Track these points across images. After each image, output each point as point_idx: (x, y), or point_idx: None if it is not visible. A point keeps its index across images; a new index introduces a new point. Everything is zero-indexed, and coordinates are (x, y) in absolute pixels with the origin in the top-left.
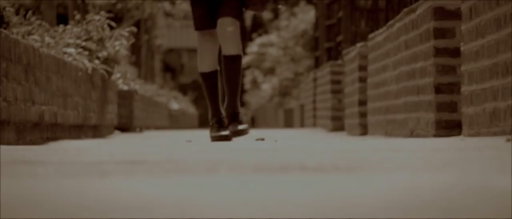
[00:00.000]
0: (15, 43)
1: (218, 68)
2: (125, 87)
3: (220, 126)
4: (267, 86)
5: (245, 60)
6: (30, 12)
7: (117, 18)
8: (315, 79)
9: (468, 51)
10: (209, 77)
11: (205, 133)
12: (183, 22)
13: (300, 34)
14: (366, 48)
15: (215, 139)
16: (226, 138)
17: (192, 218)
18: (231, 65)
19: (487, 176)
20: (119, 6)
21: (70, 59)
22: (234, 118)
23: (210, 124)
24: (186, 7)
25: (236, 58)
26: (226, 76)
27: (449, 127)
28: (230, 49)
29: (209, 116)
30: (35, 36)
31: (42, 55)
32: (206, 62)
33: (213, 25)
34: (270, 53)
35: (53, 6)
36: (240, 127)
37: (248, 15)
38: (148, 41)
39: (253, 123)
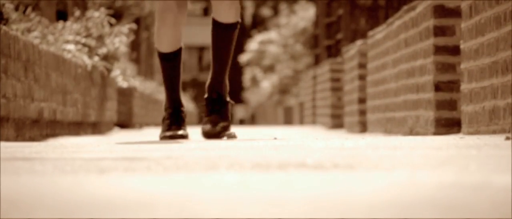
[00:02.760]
0: (14, 40)
1: (181, 45)
2: (125, 84)
3: (175, 121)
4: (267, 83)
5: (245, 57)
6: (29, 9)
7: (117, 15)
8: (314, 77)
9: (468, 49)
10: (170, 59)
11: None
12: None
13: (300, 31)
14: (365, 46)
15: (165, 138)
16: (181, 138)
17: (191, 216)
18: (225, 34)
19: (486, 174)
20: (119, 3)
21: (69, 56)
22: (219, 106)
23: (163, 117)
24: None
25: (233, 27)
26: (216, 46)
27: (449, 125)
28: (227, 14)
29: (164, 106)
30: (36, 33)
31: (42, 52)
32: (167, 40)
33: None
34: (270, 51)
35: (53, 2)
36: (223, 124)
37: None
38: (148, 38)
39: (253, 120)
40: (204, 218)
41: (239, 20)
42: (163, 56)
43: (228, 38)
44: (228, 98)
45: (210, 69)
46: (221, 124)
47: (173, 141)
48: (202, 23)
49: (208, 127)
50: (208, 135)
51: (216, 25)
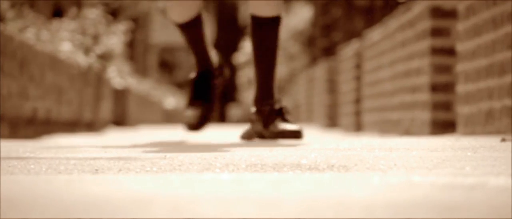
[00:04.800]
0: (9, 39)
1: (201, 12)
2: (120, 84)
3: (199, 92)
4: None
5: (241, 59)
6: (25, 7)
7: (113, 14)
8: (311, 77)
9: (464, 50)
10: (190, 26)
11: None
12: None
13: (296, 32)
14: (362, 47)
15: (184, 124)
16: (203, 121)
17: (185, 216)
18: (265, 32)
19: (482, 175)
20: (116, 3)
21: (65, 54)
22: (273, 112)
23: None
24: None
25: (275, 22)
26: (256, 48)
27: (444, 126)
28: (266, 6)
29: (194, 71)
30: (31, 34)
31: (37, 51)
32: (184, 7)
33: None
34: None
35: (49, 2)
36: (287, 126)
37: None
38: (144, 37)
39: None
40: (199, 218)
41: (281, 12)
42: (185, 26)
43: (272, 33)
44: (282, 104)
45: (254, 78)
46: (283, 126)
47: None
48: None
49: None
50: (273, 135)
51: (256, 21)
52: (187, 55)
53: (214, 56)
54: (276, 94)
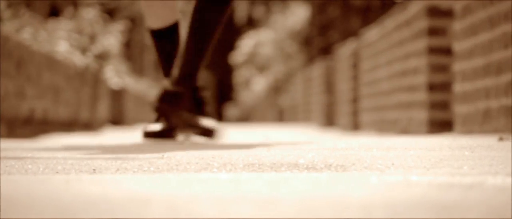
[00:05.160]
0: (6, 39)
1: (178, 18)
2: (117, 83)
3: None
4: (260, 82)
5: (238, 58)
6: (22, 6)
7: (110, 14)
8: (308, 77)
9: (461, 50)
10: (165, 36)
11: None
12: None
13: (293, 31)
14: (359, 46)
15: (148, 135)
16: (161, 135)
17: (183, 216)
18: (208, 11)
19: (479, 175)
20: (113, 3)
21: (62, 54)
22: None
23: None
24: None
25: (220, 2)
26: (194, 25)
27: (442, 125)
28: None
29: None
30: (27, 34)
31: (34, 51)
32: (160, 12)
33: None
34: (263, 50)
35: (46, 1)
36: (203, 121)
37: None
38: (141, 37)
39: (246, 119)
40: (196, 218)
41: None
42: (158, 34)
43: (215, 13)
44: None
45: (180, 53)
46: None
47: (162, 140)
48: None
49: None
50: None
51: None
52: None
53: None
54: (196, 74)
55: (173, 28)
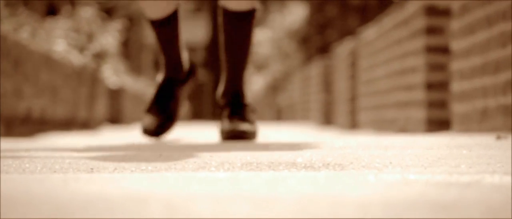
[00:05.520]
0: (4, 38)
1: (178, 8)
2: (115, 82)
3: (161, 101)
4: (258, 81)
5: None
6: (19, 5)
7: (108, 12)
8: (306, 76)
9: (459, 49)
10: (165, 24)
11: (196, 128)
12: None
13: (291, 30)
14: (357, 45)
15: (148, 133)
16: (157, 131)
17: (181, 214)
18: (238, 24)
19: (477, 173)
20: (111, 3)
21: (59, 53)
22: (237, 107)
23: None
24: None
25: (248, 16)
26: (228, 40)
27: (439, 124)
28: (239, 0)
29: (159, 75)
30: (25, 33)
31: (31, 50)
32: (158, 2)
33: None
34: (261, 49)
35: (43, 0)
36: (244, 127)
37: None
38: (139, 36)
39: None
40: (194, 217)
41: (256, 7)
42: (159, 24)
43: (243, 31)
44: (248, 98)
45: (223, 74)
46: (242, 126)
47: (160, 138)
48: (191, 20)
49: (227, 126)
50: (228, 135)
51: (226, 15)
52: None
53: (185, 58)
54: (244, 89)
55: (173, 16)
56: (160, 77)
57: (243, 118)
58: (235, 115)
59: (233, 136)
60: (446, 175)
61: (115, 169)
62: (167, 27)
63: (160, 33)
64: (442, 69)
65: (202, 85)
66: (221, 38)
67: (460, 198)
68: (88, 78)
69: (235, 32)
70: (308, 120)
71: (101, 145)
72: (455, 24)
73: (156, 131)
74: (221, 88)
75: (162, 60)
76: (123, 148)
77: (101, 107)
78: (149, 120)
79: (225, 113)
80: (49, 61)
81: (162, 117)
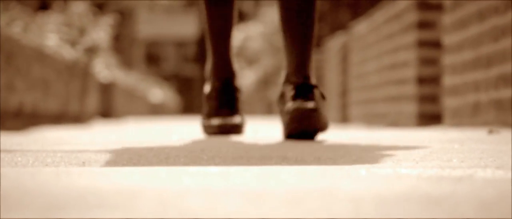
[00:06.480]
0: None
1: None
2: (107, 77)
3: (226, 101)
4: (249, 75)
5: None
6: (12, 0)
7: (99, 7)
8: None
9: (451, 43)
10: (219, 3)
11: (187, 122)
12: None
13: None
14: (348, 40)
15: (211, 130)
16: (235, 130)
17: (172, 208)
18: (300, 6)
19: (469, 168)
20: None
21: (51, 48)
22: (305, 92)
23: (206, 94)
24: (166, 2)
25: None
26: (288, 21)
27: (431, 118)
28: None
29: (207, 76)
30: (17, 28)
31: (24, 44)
32: None
33: None
34: (252, 43)
35: None
36: (311, 105)
37: None
38: (130, 30)
39: None
40: (185, 211)
41: None
42: (211, 1)
43: (306, 8)
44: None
45: (286, 55)
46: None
47: (218, 136)
48: (183, 14)
49: (297, 104)
50: (298, 115)
51: None
52: (173, 48)
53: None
54: (311, 72)
55: None
56: (213, 82)
57: (309, 98)
58: (300, 96)
59: (301, 115)
60: (438, 169)
61: (106, 163)
62: (221, 7)
63: (212, 16)
64: (433, 63)
65: (192, 79)
66: (284, 18)
67: (452, 192)
68: (79, 72)
69: (295, 10)
70: None
71: (93, 139)
72: (447, 19)
73: (226, 131)
74: (287, 69)
75: (210, 57)
76: (114, 141)
77: (93, 101)
78: (217, 123)
79: (290, 94)
80: (41, 55)
81: (229, 118)
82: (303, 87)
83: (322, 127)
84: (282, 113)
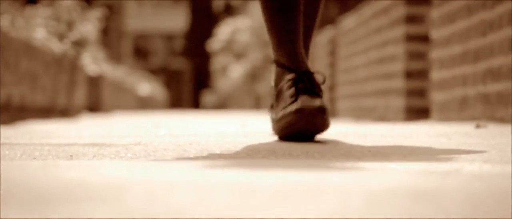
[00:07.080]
0: None
1: None
2: (95, 70)
3: (307, 87)
4: (237, 69)
5: (216, 46)
6: None
7: (87, 1)
8: None
9: (439, 37)
10: None
11: (175, 116)
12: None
13: None
14: (336, 34)
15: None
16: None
17: (159, 201)
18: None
19: (456, 162)
20: None
21: (39, 41)
22: (311, 87)
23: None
24: None
25: None
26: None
27: (419, 112)
28: None
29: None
30: (5, 21)
31: (11, 37)
32: None
33: None
34: (240, 37)
35: None
36: (317, 103)
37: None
38: (118, 24)
39: (223, 106)
40: (172, 204)
41: None
42: None
43: None
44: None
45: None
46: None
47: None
48: (171, 8)
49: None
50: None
51: None
52: (161, 42)
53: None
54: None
55: None
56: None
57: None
58: (306, 92)
59: (308, 113)
60: (425, 164)
61: (94, 156)
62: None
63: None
64: (421, 57)
65: (181, 73)
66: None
67: (440, 186)
68: (67, 66)
69: None
70: None
71: (80, 132)
72: (435, 13)
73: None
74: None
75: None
76: (102, 135)
77: (81, 95)
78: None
79: (291, 90)
80: (29, 48)
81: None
82: (307, 80)
83: (327, 127)
84: (276, 110)
